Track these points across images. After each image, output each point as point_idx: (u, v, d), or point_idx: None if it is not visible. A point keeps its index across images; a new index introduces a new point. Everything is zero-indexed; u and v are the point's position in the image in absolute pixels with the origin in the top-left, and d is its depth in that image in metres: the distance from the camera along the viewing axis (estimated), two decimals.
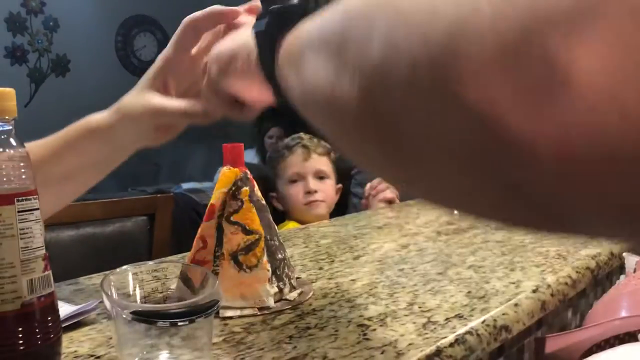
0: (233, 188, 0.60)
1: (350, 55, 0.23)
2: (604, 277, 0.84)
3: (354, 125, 0.24)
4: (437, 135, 0.20)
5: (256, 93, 0.48)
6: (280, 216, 1.55)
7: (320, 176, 1.50)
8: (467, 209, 0.24)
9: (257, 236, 0.59)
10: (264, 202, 0.63)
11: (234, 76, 0.49)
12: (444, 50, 0.18)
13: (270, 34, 0.39)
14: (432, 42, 0.19)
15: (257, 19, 0.43)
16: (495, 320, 0.57)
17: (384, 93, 0.21)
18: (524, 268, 0.72)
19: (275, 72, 0.38)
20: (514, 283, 0.66)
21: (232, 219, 0.59)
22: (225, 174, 0.61)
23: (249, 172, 0.62)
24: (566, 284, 0.69)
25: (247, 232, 0.59)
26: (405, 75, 0.20)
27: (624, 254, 0.72)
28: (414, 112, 0.20)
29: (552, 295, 0.66)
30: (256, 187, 0.63)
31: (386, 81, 0.21)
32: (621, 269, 0.80)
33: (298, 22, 0.36)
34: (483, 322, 0.55)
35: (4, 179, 0.41)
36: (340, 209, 1.59)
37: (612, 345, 0.57)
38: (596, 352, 0.57)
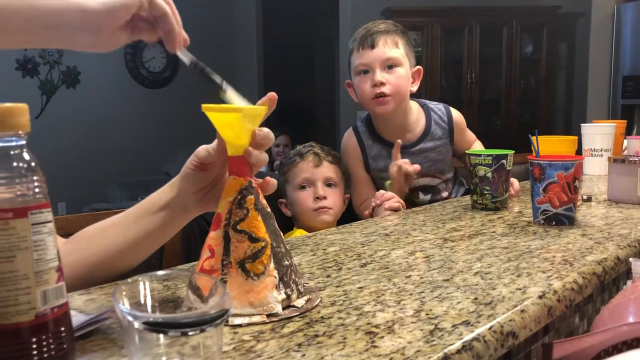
0: (238, 197, 0.61)
1: None
2: (610, 283, 0.84)
3: None
4: None
5: None
6: (288, 225, 1.55)
7: (329, 183, 1.51)
8: None
9: (263, 244, 0.60)
10: (269, 209, 0.64)
11: None
12: None
13: None
14: None
15: None
16: (502, 326, 0.57)
17: None
18: (530, 274, 0.73)
19: None
20: (520, 289, 0.67)
21: (238, 227, 0.60)
22: (230, 184, 0.62)
23: (253, 181, 0.63)
24: (572, 289, 0.70)
25: (253, 240, 0.60)
26: None
27: (631, 259, 0.72)
28: None
29: (558, 300, 0.66)
30: (261, 195, 0.64)
31: None
32: (628, 274, 0.80)
33: None
34: (490, 328, 0.56)
35: (18, 193, 0.43)
36: (347, 219, 1.59)
37: (620, 351, 0.56)
38: (604, 357, 0.57)
